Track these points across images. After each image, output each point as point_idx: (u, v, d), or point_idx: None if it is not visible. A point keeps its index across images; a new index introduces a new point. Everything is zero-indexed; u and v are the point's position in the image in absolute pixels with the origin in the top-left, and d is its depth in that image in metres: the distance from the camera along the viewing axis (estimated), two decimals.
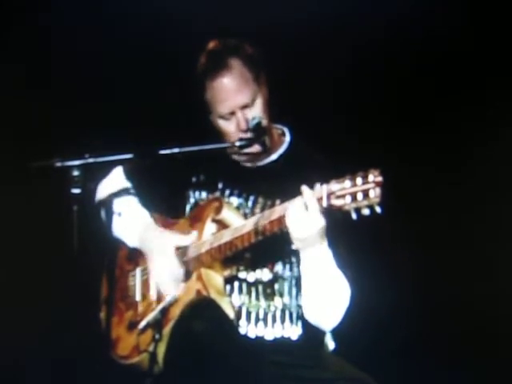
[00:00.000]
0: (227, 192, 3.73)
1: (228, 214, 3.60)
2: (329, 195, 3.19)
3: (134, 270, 3.82)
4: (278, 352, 3.56)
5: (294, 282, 3.60)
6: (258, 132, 3.56)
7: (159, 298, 3.64)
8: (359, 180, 3.10)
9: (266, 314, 3.62)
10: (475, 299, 4.65)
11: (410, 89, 4.65)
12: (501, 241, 4.64)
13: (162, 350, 3.49)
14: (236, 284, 3.62)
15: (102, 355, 3.55)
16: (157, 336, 3.49)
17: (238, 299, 3.62)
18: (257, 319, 3.61)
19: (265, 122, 3.60)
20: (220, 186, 3.74)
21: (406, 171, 4.61)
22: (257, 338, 3.60)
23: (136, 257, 3.81)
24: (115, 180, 3.87)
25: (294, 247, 3.38)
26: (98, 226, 3.51)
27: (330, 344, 3.70)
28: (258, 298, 3.63)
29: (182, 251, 3.64)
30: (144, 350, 3.56)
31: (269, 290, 3.63)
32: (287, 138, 3.77)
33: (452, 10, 4.53)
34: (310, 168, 3.60)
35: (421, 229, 4.74)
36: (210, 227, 3.62)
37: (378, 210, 3.08)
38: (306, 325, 3.59)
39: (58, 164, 3.33)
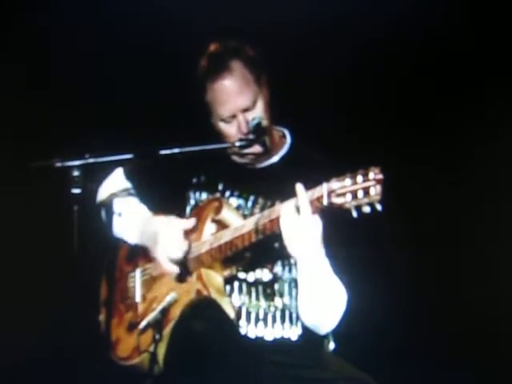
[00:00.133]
0: (227, 193, 3.73)
1: (228, 215, 3.60)
2: (329, 193, 3.19)
3: (133, 271, 3.82)
4: (277, 352, 3.56)
5: (293, 282, 3.60)
6: (258, 132, 3.56)
7: (158, 297, 3.64)
8: (360, 178, 3.10)
9: (265, 315, 3.62)
10: (474, 299, 4.65)
11: (410, 89, 4.65)
12: (500, 241, 4.64)
13: (162, 350, 3.49)
14: (236, 284, 3.62)
15: (101, 357, 3.55)
16: (157, 336, 3.49)
17: (237, 299, 3.62)
18: (257, 319, 3.61)
19: (265, 123, 3.60)
20: (220, 187, 3.74)
21: (406, 171, 4.60)
22: (257, 338, 3.60)
23: (135, 258, 3.81)
24: (115, 181, 3.87)
25: (287, 250, 3.37)
26: (98, 227, 3.51)
27: (330, 344, 3.70)
28: (258, 299, 3.63)
29: (182, 258, 3.63)
30: (144, 351, 3.56)
31: (269, 290, 3.63)
32: (288, 140, 3.77)
33: (452, 10, 4.53)
34: (311, 169, 3.59)
35: (420, 228, 4.74)
36: (209, 227, 3.62)
37: (378, 207, 3.08)
38: (306, 325, 3.59)
39: (58, 164, 3.33)
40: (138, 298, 3.75)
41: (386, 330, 4.72)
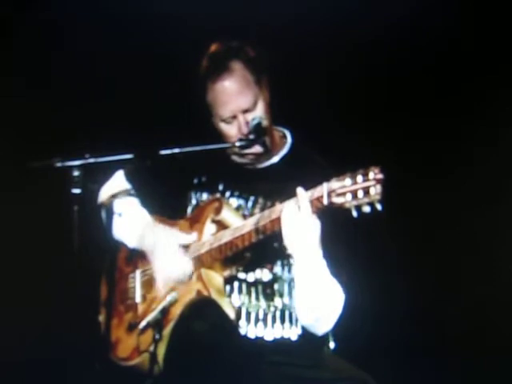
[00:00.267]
0: (228, 193, 3.73)
1: (228, 215, 3.60)
2: (329, 193, 3.20)
3: (133, 272, 3.82)
4: (277, 352, 3.56)
5: (293, 282, 3.60)
6: (258, 132, 3.56)
7: (159, 297, 3.63)
8: (360, 177, 3.10)
9: (265, 315, 3.62)
10: (474, 299, 4.65)
11: (410, 89, 4.65)
12: (500, 240, 4.64)
13: (162, 350, 3.49)
14: (236, 284, 3.62)
15: (101, 357, 3.55)
16: (157, 336, 3.49)
17: (237, 299, 3.62)
18: (256, 320, 3.61)
19: (265, 123, 3.60)
20: (221, 187, 3.74)
21: (406, 171, 4.61)
22: (257, 338, 3.60)
23: (135, 259, 3.81)
24: (116, 182, 3.87)
25: (286, 251, 3.38)
26: (98, 227, 3.51)
27: (330, 344, 3.70)
28: (257, 299, 3.63)
29: (182, 251, 3.64)
30: (144, 351, 3.56)
31: (269, 290, 3.63)
32: (288, 140, 3.77)
33: (452, 10, 4.53)
34: (312, 170, 3.60)
35: (420, 228, 4.74)
36: (209, 228, 3.62)
37: (378, 207, 3.08)
38: (303, 325, 3.59)
39: (58, 164, 3.32)
40: (138, 299, 3.75)
41: (386, 330, 4.72)
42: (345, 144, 4.58)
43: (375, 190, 3.07)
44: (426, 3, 4.53)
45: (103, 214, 3.47)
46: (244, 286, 3.63)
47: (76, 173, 3.29)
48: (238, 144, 3.57)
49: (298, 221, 3.28)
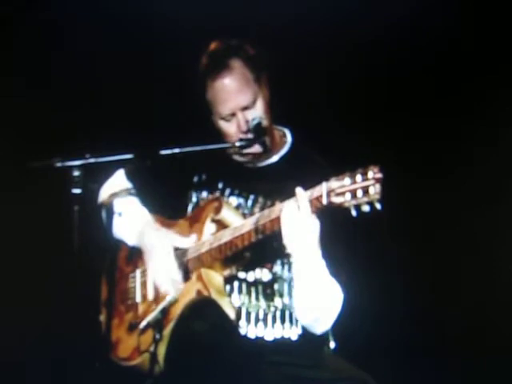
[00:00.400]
0: (227, 192, 3.73)
1: (227, 214, 3.60)
2: (329, 193, 3.20)
3: (133, 272, 3.82)
4: (277, 352, 3.56)
5: (293, 282, 3.60)
6: (258, 132, 3.57)
7: (157, 298, 3.63)
8: (359, 177, 3.10)
9: (265, 315, 3.62)
10: (473, 299, 4.65)
11: (410, 88, 4.65)
12: (500, 241, 4.64)
13: (162, 350, 3.49)
14: (236, 284, 3.62)
15: (102, 357, 3.54)
16: (157, 336, 3.49)
17: (237, 299, 3.62)
18: (256, 320, 3.61)
19: (265, 123, 3.60)
20: (220, 185, 3.74)
21: (405, 170, 4.61)
22: (257, 338, 3.60)
23: (135, 258, 3.81)
24: (116, 181, 3.87)
25: (286, 251, 3.38)
26: (98, 227, 3.51)
27: (330, 344, 3.70)
28: (257, 299, 3.63)
29: (181, 251, 3.64)
30: (145, 351, 3.56)
31: (269, 290, 3.63)
32: (288, 139, 3.77)
33: (452, 10, 4.52)
34: (311, 169, 3.60)
35: (419, 227, 4.74)
36: (209, 227, 3.62)
37: (377, 206, 3.08)
38: (302, 324, 3.59)
39: (58, 164, 3.32)
40: (138, 299, 3.75)
41: (385, 330, 4.72)
42: (345, 144, 4.58)
43: (374, 190, 3.07)
44: (426, 3, 4.53)
45: (103, 214, 3.47)
46: (244, 286, 3.63)
47: (76, 173, 3.29)
48: (237, 144, 3.57)
49: (297, 220, 3.29)
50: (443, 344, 4.72)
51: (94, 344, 3.62)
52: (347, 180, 3.13)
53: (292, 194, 3.32)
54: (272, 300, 3.63)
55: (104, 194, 3.80)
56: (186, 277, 3.60)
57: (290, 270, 3.61)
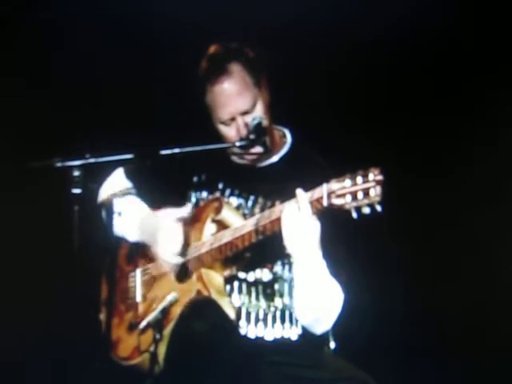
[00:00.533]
0: (227, 192, 3.73)
1: (228, 214, 3.60)
2: (329, 194, 3.20)
3: (134, 271, 3.82)
4: (277, 352, 3.56)
5: (293, 282, 3.60)
6: (259, 133, 3.56)
7: (158, 298, 3.64)
8: (359, 179, 3.10)
9: (265, 315, 3.62)
10: (473, 299, 4.65)
11: (411, 89, 4.65)
12: (500, 241, 4.64)
13: (162, 350, 3.49)
14: (236, 284, 3.62)
15: (102, 357, 3.54)
16: (157, 336, 3.49)
17: (237, 299, 3.62)
18: (257, 320, 3.61)
19: (265, 123, 3.60)
20: (220, 186, 3.74)
21: (406, 172, 4.61)
22: (257, 338, 3.60)
23: (136, 258, 3.81)
24: (116, 181, 3.87)
25: (286, 251, 3.38)
26: (98, 227, 3.51)
27: (331, 344, 3.70)
28: (257, 299, 3.63)
29: (182, 251, 3.64)
30: (145, 351, 3.56)
31: (269, 290, 3.63)
32: (288, 140, 3.77)
33: (452, 10, 4.52)
34: (311, 169, 3.60)
35: (420, 229, 4.74)
36: (209, 227, 3.62)
37: (378, 208, 3.08)
38: (302, 325, 3.59)
39: (58, 164, 3.32)
40: (138, 298, 3.75)
41: (385, 330, 4.72)
42: (344, 144, 4.58)
43: (375, 192, 3.07)
44: (426, 3, 4.53)
45: (103, 213, 3.47)
46: (244, 286, 3.63)
47: (76, 173, 3.29)
48: (238, 144, 3.56)
49: (298, 222, 3.29)
50: (443, 344, 4.72)
51: (94, 344, 3.62)
52: (348, 182, 3.13)
53: (292, 195, 3.32)
54: (272, 300, 3.63)
55: (104, 193, 3.80)
56: (187, 276, 3.60)
57: (290, 270, 3.61)
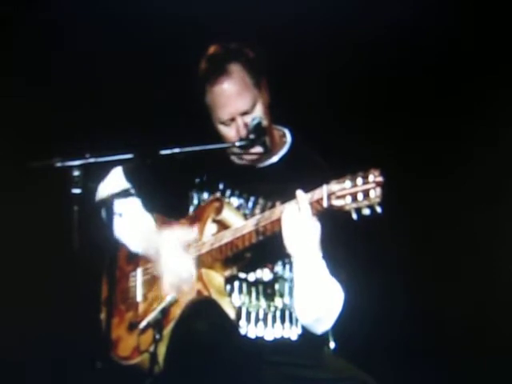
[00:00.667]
0: (228, 192, 3.73)
1: (228, 215, 3.60)
2: (329, 195, 3.20)
3: (134, 271, 3.82)
4: (277, 352, 3.56)
5: (294, 282, 3.60)
6: (258, 132, 3.56)
7: (159, 298, 3.63)
8: (360, 180, 3.10)
9: (266, 315, 3.62)
10: (473, 299, 4.65)
11: (411, 89, 4.65)
12: (500, 241, 4.64)
13: (162, 350, 3.48)
14: (236, 284, 3.62)
15: (102, 356, 3.54)
16: (157, 336, 3.48)
17: (238, 299, 3.62)
18: (257, 319, 3.61)
19: (265, 123, 3.60)
20: (221, 186, 3.74)
21: (406, 173, 4.61)
22: (257, 338, 3.60)
23: (136, 257, 3.81)
24: (116, 180, 3.87)
25: (287, 250, 3.38)
26: (98, 227, 3.50)
27: (331, 344, 3.70)
28: (258, 298, 3.63)
29: (184, 251, 3.64)
30: (145, 351, 3.56)
31: (269, 290, 3.63)
32: (288, 140, 3.77)
33: (452, 10, 4.52)
34: (311, 170, 3.61)
35: (420, 230, 4.74)
36: (210, 227, 3.62)
37: (378, 210, 3.08)
38: (302, 324, 3.59)
39: (58, 164, 3.32)
40: (139, 298, 3.75)
41: (385, 330, 4.72)
42: (344, 144, 4.58)
43: (375, 193, 3.07)
44: (426, 3, 4.53)
45: (103, 213, 3.46)
46: (244, 286, 3.63)
47: (76, 173, 3.29)
48: (238, 144, 3.56)
49: (298, 223, 3.29)
50: (443, 344, 4.72)
51: (94, 343, 3.62)
52: (348, 183, 3.13)
53: (292, 195, 3.32)
54: (272, 300, 3.63)
55: (103, 192, 3.80)
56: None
57: (290, 269, 3.60)
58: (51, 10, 4.75)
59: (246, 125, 3.58)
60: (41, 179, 4.20)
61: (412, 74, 4.64)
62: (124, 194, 3.68)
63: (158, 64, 4.78)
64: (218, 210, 3.60)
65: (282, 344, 3.60)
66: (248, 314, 3.61)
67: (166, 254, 3.63)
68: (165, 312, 3.53)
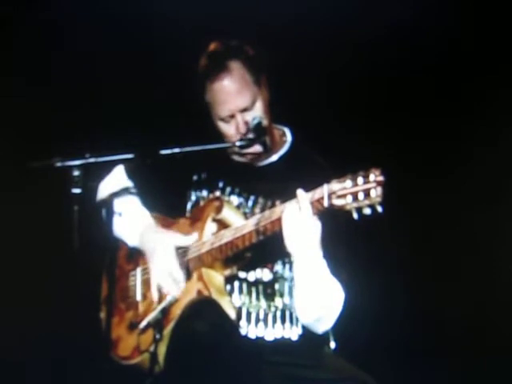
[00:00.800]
0: (228, 191, 3.73)
1: (228, 214, 3.60)
2: (330, 195, 3.19)
3: (134, 270, 3.82)
4: (278, 352, 3.56)
5: (294, 282, 3.60)
6: (259, 132, 3.56)
7: (160, 298, 3.63)
8: (360, 179, 3.10)
9: (266, 315, 3.61)
10: (473, 299, 4.65)
11: (411, 89, 4.65)
12: (500, 241, 4.64)
13: (162, 350, 3.48)
14: (236, 284, 3.62)
15: (102, 356, 3.54)
16: (157, 336, 3.48)
17: (238, 299, 3.62)
18: (257, 320, 3.61)
19: (265, 123, 3.60)
20: (221, 184, 3.74)
21: (407, 173, 4.61)
22: (257, 338, 3.60)
23: (136, 256, 3.81)
24: (116, 179, 3.87)
25: (287, 250, 3.38)
26: (98, 226, 3.50)
27: (331, 344, 3.70)
28: (258, 298, 3.62)
29: (182, 251, 3.64)
30: (145, 351, 3.55)
31: (269, 290, 3.63)
32: (288, 139, 3.77)
33: (452, 10, 4.53)
34: (311, 169, 3.61)
35: (420, 230, 4.74)
36: (210, 227, 3.62)
37: (379, 209, 3.08)
38: (303, 324, 3.59)
39: (58, 164, 3.32)
40: (138, 297, 3.75)
41: (385, 330, 4.72)
42: (344, 143, 4.58)
43: (376, 193, 3.07)
44: (426, 3, 4.53)
45: (103, 213, 3.46)
46: (244, 286, 3.62)
47: (76, 173, 3.29)
48: (238, 144, 3.57)
49: (298, 222, 3.29)
50: (443, 344, 4.72)
51: (94, 343, 3.62)
52: (348, 182, 3.13)
53: (292, 194, 3.31)
54: (273, 300, 3.62)
55: (104, 191, 3.80)
56: (187, 276, 3.60)
57: (291, 269, 3.61)
58: (51, 9, 4.75)
59: (245, 122, 3.58)
60: (41, 179, 4.19)
61: (412, 74, 4.64)
62: (124, 192, 3.68)
63: (158, 64, 4.78)
64: (218, 209, 3.60)
65: (282, 344, 3.60)
66: (248, 314, 3.61)
67: (158, 255, 3.63)
68: (165, 312, 3.53)
